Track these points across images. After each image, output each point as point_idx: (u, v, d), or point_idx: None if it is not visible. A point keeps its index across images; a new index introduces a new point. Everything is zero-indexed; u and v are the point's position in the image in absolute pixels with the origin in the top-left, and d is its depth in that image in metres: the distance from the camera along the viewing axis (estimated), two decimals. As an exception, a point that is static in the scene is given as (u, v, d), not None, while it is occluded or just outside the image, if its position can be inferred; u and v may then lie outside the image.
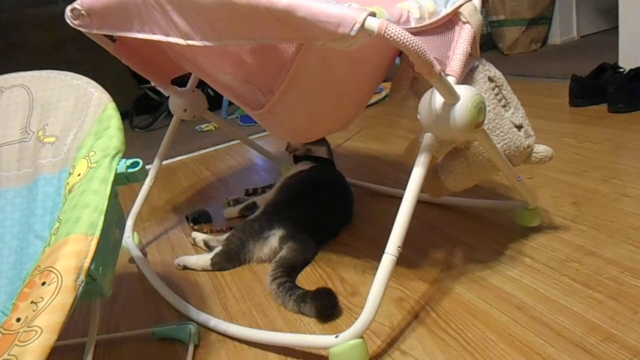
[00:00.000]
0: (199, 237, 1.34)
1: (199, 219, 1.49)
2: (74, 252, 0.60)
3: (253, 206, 1.46)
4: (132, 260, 1.32)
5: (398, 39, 0.63)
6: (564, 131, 1.76)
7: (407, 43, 0.64)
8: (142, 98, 3.08)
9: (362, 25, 0.63)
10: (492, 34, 3.40)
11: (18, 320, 0.57)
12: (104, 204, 0.65)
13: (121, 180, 0.70)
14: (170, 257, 1.32)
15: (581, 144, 1.61)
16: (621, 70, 1.95)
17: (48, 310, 0.56)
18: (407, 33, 0.63)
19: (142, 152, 2.45)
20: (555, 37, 3.35)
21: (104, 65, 2.43)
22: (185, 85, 1.48)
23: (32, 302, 0.57)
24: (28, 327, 0.55)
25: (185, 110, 1.45)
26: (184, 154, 2.30)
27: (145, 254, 1.36)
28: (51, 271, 0.59)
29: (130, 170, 0.70)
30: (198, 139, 2.49)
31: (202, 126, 2.64)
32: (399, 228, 0.79)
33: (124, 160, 0.71)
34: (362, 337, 0.80)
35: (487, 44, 3.45)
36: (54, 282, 0.58)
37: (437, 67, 0.68)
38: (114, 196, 0.69)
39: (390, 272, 0.79)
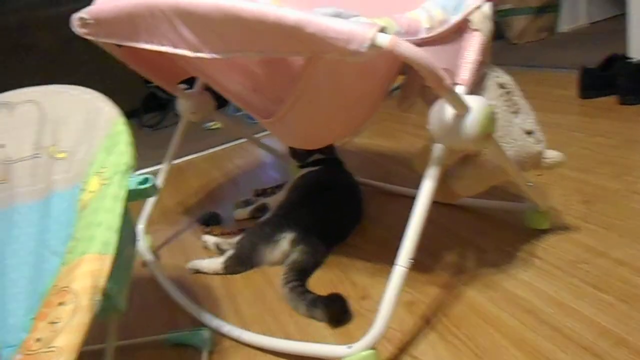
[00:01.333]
0: (210, 240, 1.35)
1: (210, 221, 1.50)
2: (89, 272, 0.61)
3: (264, 208, 1.46)
4: (144, 264, 1.34)
5: (408, 55, 0.63)
6: (572, 125, 1.74)
7: (418, 59, 0.64)
8: (151, 96, 3.09)
9: (372, 42, 0.63)
10: (500, 23, 3.36)
11: (38, 340, 0.58)
12: (116, 222, 0.66)
13: (133, 197, 0.71)
14: (182, 260, 1.33)
15: (590, 138, 1.60)
16: (631, 60, 1.92)
17: (66, 331, 0.57)
18: (417, 49, 0.63)
19: (151, 152, 2.45)
20: (564, 25, 3.31)
21: (111, 64, 2.42)
22: (192, 84, 1.48)
23: (50, 322, 0.59)
24: (47, 348, 0.56)
25: (193, 113, 1.45)
26: (193, 153, 2.31)
27: (157, 258, 1.38)
28: (68, 291, 0.60)
29: (140, 186, 0.71)
30: (207, 138, 2.49)
31: (211, 124, 2.64)
32: (410, 240, 0.79)
33: (134, 176, 0.72)
34: (374, 347, 0.81)
35: (494, 33, 3.41)
36: (71, 303, 0.59)
37: (448, 81, 0.68)
38: (125, 213, 0.70)
39: (402, 284, 0.80)
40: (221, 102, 2.29)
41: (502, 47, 3.23)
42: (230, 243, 1.28)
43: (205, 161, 2.22)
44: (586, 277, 0.97)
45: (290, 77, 0.86)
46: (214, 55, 0.82)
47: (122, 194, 0.69)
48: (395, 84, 1.07)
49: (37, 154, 0.84)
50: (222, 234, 1.42)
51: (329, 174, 1.40)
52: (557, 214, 1.20)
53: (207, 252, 1.36)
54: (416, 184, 0.85)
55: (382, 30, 0.65)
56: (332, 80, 0.86)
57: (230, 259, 1.22)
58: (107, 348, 0.68)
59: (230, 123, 1.66)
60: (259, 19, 0.69)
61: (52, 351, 0.56)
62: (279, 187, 1.62)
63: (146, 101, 3.11)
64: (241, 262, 1.22)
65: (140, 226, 1.43)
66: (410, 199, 0.84)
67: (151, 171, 2.18)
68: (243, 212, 1.51)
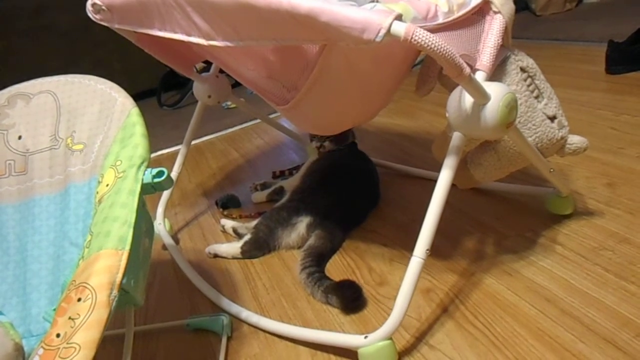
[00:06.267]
0: (228, 224, 1.35)
1: (228, 204, 1.51)
2: (105, 267, 0.62)
3: (280, 191, 1.46)
4: (165, 247, 1.35)
5: (425, 44, 0.61)
6: (599, 102, 1.68)
7: (435, 48, 0.61)
8: (169, 74, 3.09)
9: (388, 30, 0.61)
10: (524, -7, 3.25)
11: (58, 335, 0.59)
12: (132, 217, 0.66)
13: (148, 190, 0.71)
14: (202, 244, 1.35)
15: (617, 116, 1.54)
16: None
17: (85, 327, 0.58)
18: (434, 38, 0.61)
19: (171, 132, 2.47)
20: (592, -6, 3.19)
21: (130, 44, 2.44)
22: (210, 64, 1.47)
23: (69, 318, 0.60)
24: (67, 343, 0.58)
25: (209, 97, 1.44)
26: (212, 133, 2.32)
27: (177, 241, 1.39)
28: (86, 287, 0.61)
29: (156, 180, 0.71)
30: (225, 117, 2.49)
31: (229, 103, 2.63)
32: (427, 231, 0.78)
33: (149, 169, 0.72)
34: (390, 338, 0.81)
35: (518, 5, 3.30)
36: (89, 299, 0.60)
37: (467, 70, 0.65)
38: (141, 206, 0.70)
39: (419, 275, 0.79)
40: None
41: (525, 20, 3.13)
42: (247, 227, 1.29)
43: (224, 141, 2.22)
44: (609, 265, 0.94)
45: (305, 64, 0.84)
46: (227, 44, 0.81)
47: (137, 188, 0.69)
48: (419, 58, 1.04)
49: (54, 145, 0.85)
50: (240, 217, 1.43)
51: (344, 156, 1.38)
52: (580, 198, 1.17)
53: (226, 235, 1.37)
54: (434, 166, 0.83)
55: (398, 18, 0.63)
56: (347, 67, 0.84)
57: (247, 243, 1.23)
58: (126, 335, 0.69)
59: (245, 105, 1.64)
60: (271, 7, 0.67)
61: (72, 347, 0.57)
62: (297, 168, 1.61)
63: (165, 80, 3.12)
64: (258, 247, 1.23)
65: (160, 210, 1.44)
66: (429, 181, 0.82)
67: (171, 152, 2.19)
68: (260, 195, 1.51)
